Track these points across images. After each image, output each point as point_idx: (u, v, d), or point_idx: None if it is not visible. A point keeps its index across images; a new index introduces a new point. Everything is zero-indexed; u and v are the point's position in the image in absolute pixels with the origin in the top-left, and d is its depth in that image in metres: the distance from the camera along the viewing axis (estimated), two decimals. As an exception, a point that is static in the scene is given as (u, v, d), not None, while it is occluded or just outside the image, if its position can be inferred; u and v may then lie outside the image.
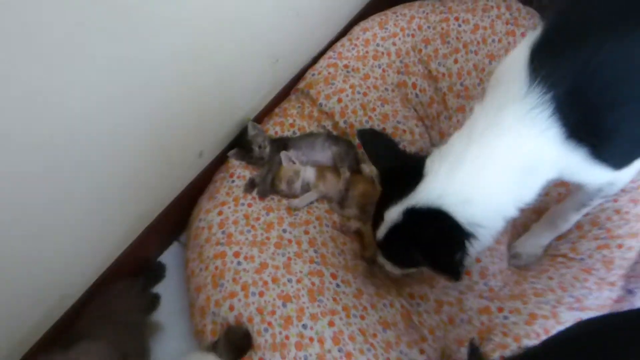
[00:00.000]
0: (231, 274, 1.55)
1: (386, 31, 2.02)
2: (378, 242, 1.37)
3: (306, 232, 1.69)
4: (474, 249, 1.26)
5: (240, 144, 1.81)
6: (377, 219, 1.35)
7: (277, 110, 1.95)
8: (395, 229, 1.28)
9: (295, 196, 1.77)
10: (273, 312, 1.48)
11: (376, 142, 1.39)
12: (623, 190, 1.65)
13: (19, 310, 1.41)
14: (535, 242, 1.69)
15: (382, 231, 1.32)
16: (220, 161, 1.84)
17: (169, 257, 1.83)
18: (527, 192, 1.26)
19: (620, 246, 1.62)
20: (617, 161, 1.28)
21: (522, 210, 1.28)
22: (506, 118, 1.18)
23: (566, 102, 1.15)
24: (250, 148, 1.76)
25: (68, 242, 1.42)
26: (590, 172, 1.26)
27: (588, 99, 1.16)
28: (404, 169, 1.31)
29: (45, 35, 1.00)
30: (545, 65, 1.17)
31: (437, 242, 1.24)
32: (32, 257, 1.33)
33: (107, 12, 1.11)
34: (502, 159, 1.21)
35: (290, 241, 1.64)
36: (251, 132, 1.76)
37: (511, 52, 1.29)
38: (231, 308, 1.51)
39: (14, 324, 1.43)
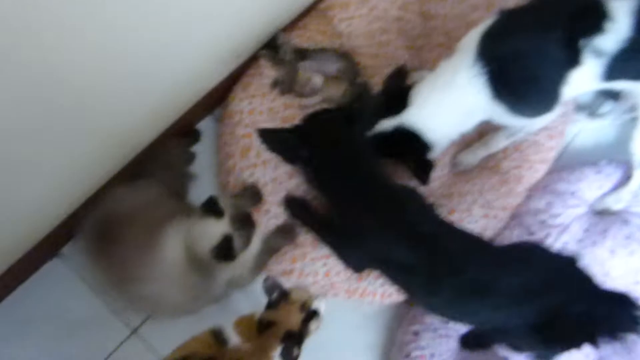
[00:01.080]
0: (255, 151, 1.94)
1: (397, -27, 2.19)
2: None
3: (313, 125, 2.02)
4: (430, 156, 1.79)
5: (270, 47, 2.08)
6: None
7: (300, 24, 2.16)
8: (383, 133, 1.79)
9: (307, 96, 2.07)
10: (281, 183, 1.95)
11: (395, 73, 1.90)
12: (544, 128, 2.03)
13: (108, 151, 1.78)
14: (473, 156, 2.09)
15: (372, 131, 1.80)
16: (253, 59, 2.08)
17: (203, 126, 2.16)
18: (467, 126, 1.80)
19: (530, 168, 2.05)
20: (528, 114, 1.76)
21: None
22: (459, 79, 1.66)
23: (494, 75, 1.63)
24: (277, 52, 2.05)
25: (139, 108, 1.73)
26: (510, 119, 1.77)
27: (507, 74, 1.63)
28: (398, 96, 1.79)
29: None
30: (486, 47, 1.63)
31: (412, 150, 1.78)
32: (123, 117, 1.66)
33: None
34: (453, 105, 1.72)
35: (301, 131, 1.99)
36: (280, 40, 2.04)
37: (473, 30, 1.70)
38: (251, 175, 1.94)
39: (102, 161, 1.80)
